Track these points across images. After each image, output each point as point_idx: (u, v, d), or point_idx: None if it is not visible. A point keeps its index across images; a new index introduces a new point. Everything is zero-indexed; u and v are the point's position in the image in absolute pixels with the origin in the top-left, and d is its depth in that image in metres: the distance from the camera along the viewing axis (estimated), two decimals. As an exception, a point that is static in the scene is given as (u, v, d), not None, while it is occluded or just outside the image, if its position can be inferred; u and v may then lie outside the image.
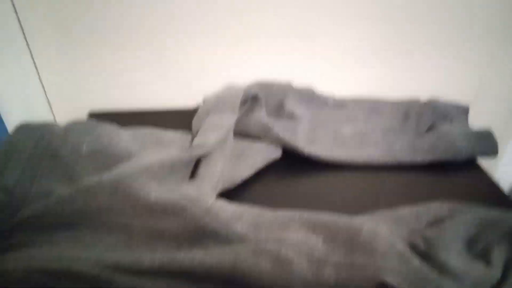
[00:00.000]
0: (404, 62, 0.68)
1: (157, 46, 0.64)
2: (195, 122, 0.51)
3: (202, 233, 0.33)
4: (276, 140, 0.49)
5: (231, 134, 0.48)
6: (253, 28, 0.64)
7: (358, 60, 0.68)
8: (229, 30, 0.63)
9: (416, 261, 0.30)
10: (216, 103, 0.51)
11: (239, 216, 0.34)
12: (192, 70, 0.66)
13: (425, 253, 0.31)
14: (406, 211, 0.37)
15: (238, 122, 0.51)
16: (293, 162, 0.50)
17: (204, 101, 0.56)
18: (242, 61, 0.66)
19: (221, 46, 0.64)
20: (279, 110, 0.57)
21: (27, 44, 0.61)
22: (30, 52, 0.61)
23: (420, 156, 0.51)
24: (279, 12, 0.63)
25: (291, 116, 0.56)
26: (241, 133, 0.51)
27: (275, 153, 0.48)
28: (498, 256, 0.32)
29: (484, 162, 0.54)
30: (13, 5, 0.57)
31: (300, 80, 0.65)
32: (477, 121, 0.62)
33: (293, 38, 0.65)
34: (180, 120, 0.63)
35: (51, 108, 0.66)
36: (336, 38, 0.65)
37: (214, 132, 0.44)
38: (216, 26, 0.63)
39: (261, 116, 0.50)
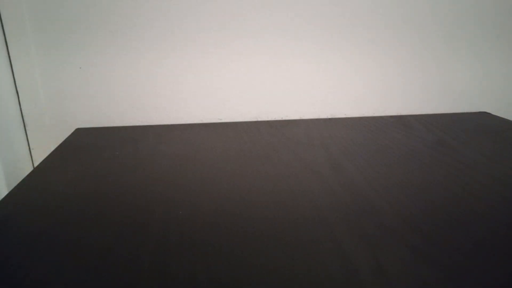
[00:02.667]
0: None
1: (150, 60, 0.62)
2: None
3: None
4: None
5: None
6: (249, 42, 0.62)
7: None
8: (224, 49, 0.62)
9: None
10: None
11: None
12: (188, 85, 0.64)
13: None
14: None
15: None
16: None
17: None
18: (232, 78, 0.64)
19: (213, 63, 0.63)
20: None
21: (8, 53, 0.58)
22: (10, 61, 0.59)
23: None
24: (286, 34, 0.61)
25: None
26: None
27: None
28: None
29: None
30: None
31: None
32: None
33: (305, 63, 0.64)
34: (174, 134, 0.61)
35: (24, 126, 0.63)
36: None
37: None
38: (211, 43, 0.62)
39: None
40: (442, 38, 0.67)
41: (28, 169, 0.64)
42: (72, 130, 0.63)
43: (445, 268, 0.28)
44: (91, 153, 0.52)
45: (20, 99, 0.62)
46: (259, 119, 0.68)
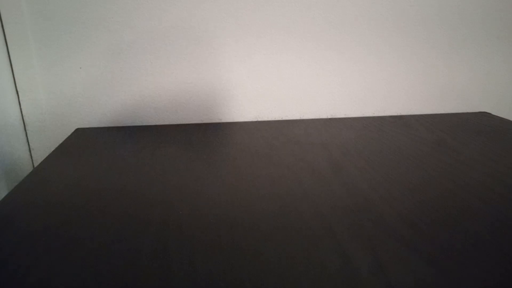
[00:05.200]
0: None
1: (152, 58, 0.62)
2: None
3: None
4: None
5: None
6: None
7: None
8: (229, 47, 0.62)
9: None
10: None
11: None
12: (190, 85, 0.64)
13: None
14: None
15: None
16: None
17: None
18: (233, 78, 0.64)
19: (213, 63, 0.63)
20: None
21: (7, 50, 0.58)
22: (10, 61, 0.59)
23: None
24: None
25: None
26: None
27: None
28: None
29: None
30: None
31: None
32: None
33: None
34: (174, 134, 0.61)
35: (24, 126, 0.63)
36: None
37: None
38: (212, 43, 0.61)
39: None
40: (442, 38, 0.67)
41: (28, 169, 0.65)
42: (72, 130, 0.63)
43: (445, 268, 0.28)
44: (91, 153, 0.52)
45: (20, 99, 0.62)
46: (259, 119, 0.68)
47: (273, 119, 0.69)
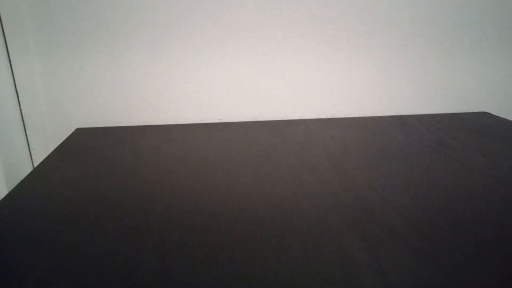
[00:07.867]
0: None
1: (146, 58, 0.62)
2: None
3: None
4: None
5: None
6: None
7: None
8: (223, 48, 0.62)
9: None
10: None
11: None
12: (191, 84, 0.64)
13: None
14: None
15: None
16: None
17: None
18: (233, 78, 0.64)
19: (213, 63, 0.63)
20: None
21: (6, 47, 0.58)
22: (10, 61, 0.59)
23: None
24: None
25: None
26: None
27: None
28: None
29: None
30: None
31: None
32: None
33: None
34: (174, 134, 0.61)
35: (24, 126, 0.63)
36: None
37: None
38: (212, 43, 0.61)
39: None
40: (442, 38, 0.67)
41: (28, 169, 0.64)
42: (72, 130, 0.63)
43: (445, 268, 0.28)
44: (91, 153, 0.52)
45: (20, 99, 0.62)
46: (259, 119, 0.68)
47: (273, 119, 0.69)
